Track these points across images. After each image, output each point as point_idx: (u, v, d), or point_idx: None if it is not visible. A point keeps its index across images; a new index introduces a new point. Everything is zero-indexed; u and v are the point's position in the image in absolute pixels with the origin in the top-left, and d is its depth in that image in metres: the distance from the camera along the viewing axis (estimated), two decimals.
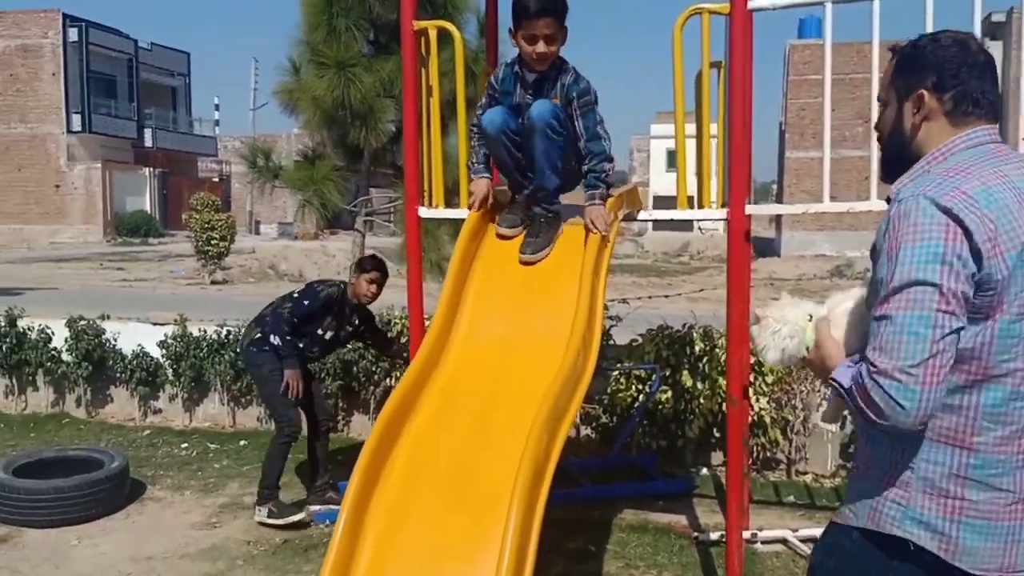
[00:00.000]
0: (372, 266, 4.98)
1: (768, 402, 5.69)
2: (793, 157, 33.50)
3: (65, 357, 7.01)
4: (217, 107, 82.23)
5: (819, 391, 5.80)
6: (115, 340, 7.03)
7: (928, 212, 1.56)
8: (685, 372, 5.76)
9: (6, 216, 32.98)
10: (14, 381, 7.26)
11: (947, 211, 1.55)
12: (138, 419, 7.01)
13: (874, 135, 1.98)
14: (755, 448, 5.80)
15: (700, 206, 3.87)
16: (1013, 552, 1.64)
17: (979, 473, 1.63)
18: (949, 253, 1.53)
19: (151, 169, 35.92)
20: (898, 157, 1.80)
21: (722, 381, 5.54)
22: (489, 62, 5.15)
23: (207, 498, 5.26)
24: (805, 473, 5.79)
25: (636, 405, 5.81)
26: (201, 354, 6.76)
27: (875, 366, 1.55)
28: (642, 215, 4.17)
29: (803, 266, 27.72)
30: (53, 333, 7.05)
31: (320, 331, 4.92)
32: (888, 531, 1.68)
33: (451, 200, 4.15)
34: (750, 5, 3.65)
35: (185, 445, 6.34)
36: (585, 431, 6.18)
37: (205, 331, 6.82)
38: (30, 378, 7.22)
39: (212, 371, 6.75)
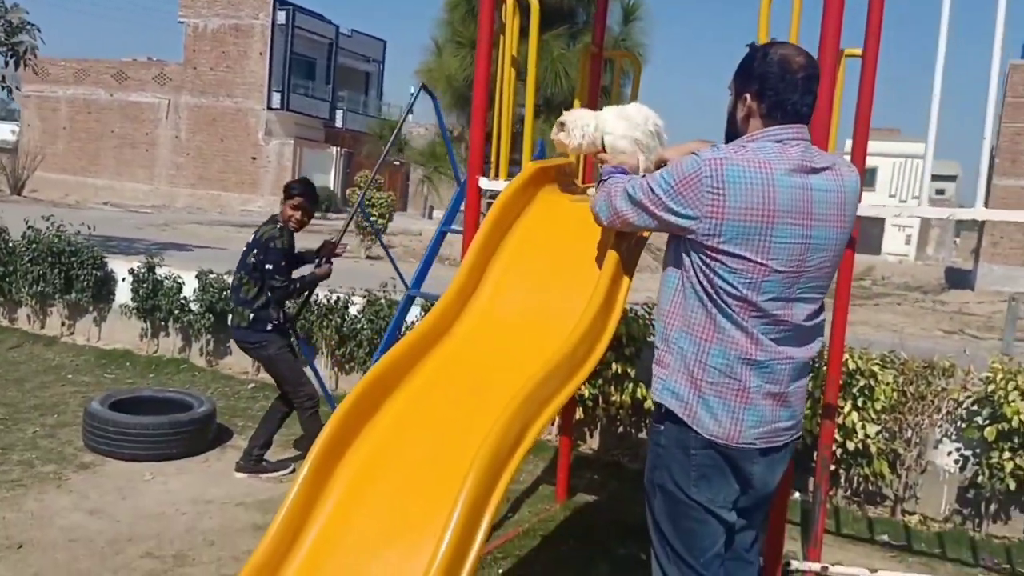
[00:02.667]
0: (298, 191, 4.88)
1: (878, 432, 5.11)
2: (1001, 185, 30.29)
3: (193, 307, 7.43)
4: (412, 94, 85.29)
5: (939, 426, 5.16)
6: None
7: (690, 163, 2.19)
8: None
9: (207, 182, 35.86)
10: (148, 324, 7.78)
11: (699, 168, 2.16)
12: (251, 373, 7.31)
13: None
14: (857, 479, 5.24)
15: None
16: (737, 427, 2.23)
17: (716, 362, 2.22)
18: (673, 189, 2.21)
19: (338, 148, 37.87)
20: (730, 133, 2.35)
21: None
22: (595, 42, 4.92)
23: (283, 453, 5.37)
24: (912, 513, 5.17)
25: None
26: (312, 318, 6.95)
27: (614, 187, 2.48)
28: None
29: (999, 303, 25.04)
30: (184, 283, 7.49)
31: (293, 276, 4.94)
32: (656, 399, 2.34)
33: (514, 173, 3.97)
34: None
35: None
36: None
37: (317, 295, 7.00)
38: (162, 323, 7.70)
39: (320, 335, 6.92)
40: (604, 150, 3.16)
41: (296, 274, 5.02)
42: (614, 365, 5.77)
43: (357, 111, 40.28)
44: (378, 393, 2.66)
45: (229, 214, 30.10)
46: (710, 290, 2.19)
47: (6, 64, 11.20)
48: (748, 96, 2.25)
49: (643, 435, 6.00)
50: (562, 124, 3.35)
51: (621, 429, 6.05)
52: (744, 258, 2.13)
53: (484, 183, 3.79)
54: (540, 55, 7.88)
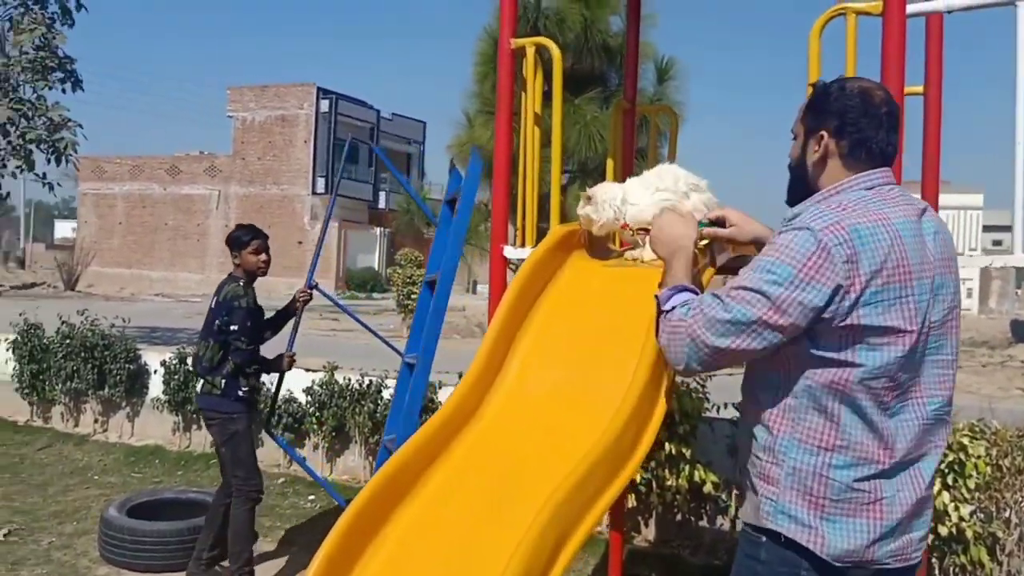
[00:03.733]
0: (250, 235, 4.59)
1: (972, 513, 4.51)
2: None
3: None
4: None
5: None
6: (270, 384, 7.05)
7: (803, 239, 1.76)
8: None
9: None
10: (180, 418, 7.49)
11: (819, 241, 1.74)
12: (283, 465, 6.94)
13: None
14: (952, 569, 4.61)
15: None
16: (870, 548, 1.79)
17: (842, 475, 1.79)
18: (799, 279, 1.74)
19: (381, 229, 38.22)
20: (799, 186, 2.00)
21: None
22: (626, 97, 4.59)
23: (306, 556, 4.93)
24: None
25: None
26: (344, 404, 6.60)
27: (693, 321, 1.85)
28: None
29: None
30: None
31: (259, 341, 4.55)
32: (765, 525, 1.85)
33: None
34: (911, 8, 2.86)
35: (312, 498, 6.12)
36: None
37: (350, 380, 6.66)
38: (193, 416, 7.40)
39: (352, 422, 6.55)
40: (627, 224, 2.95)
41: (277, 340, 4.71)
42: (667, 445, 5.27)
43: (399, 191, 40.73)
44: (391, 495, 2.26)
45: (276, 298, 30.15)
46: (838, 383, 1.78)
47: (48, 161, 11.34)
48: (825, 134, 1.92)
49: (704, 523, 5.44)
50: (589, 198, 3.06)
51: (679, 517, 5.50)
52: (889, 329, 1.76)
53: (509, 252, 3.42)
54: (572, 119, 7.54)
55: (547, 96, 3.60)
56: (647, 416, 2.28)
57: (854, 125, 1.89)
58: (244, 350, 4.36)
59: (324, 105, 36.97)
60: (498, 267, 3.43)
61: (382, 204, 38.96)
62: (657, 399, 2.32)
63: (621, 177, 4.37)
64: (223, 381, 4.40)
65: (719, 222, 2.26)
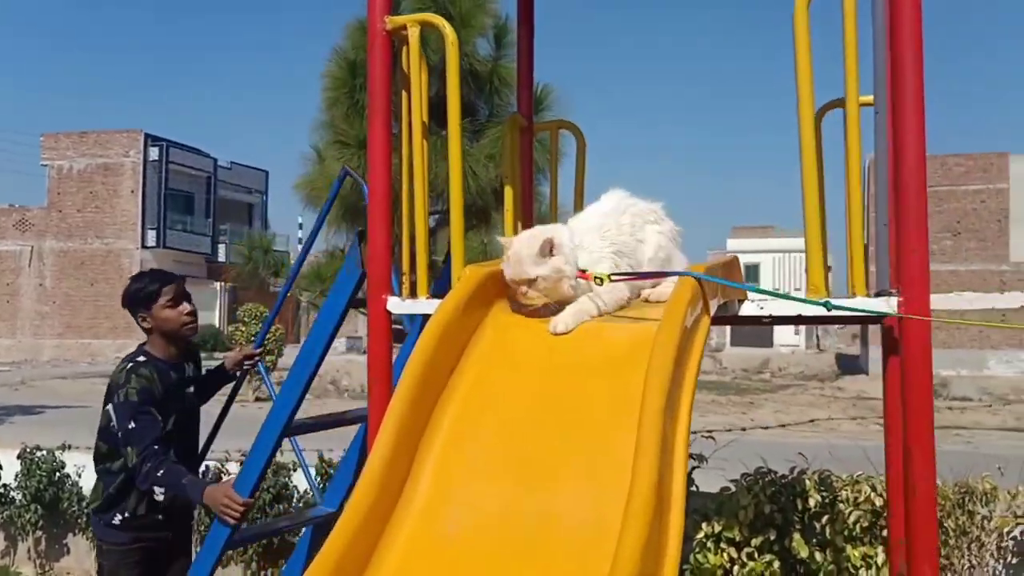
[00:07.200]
0: (158, 282, 3.15)
1: None
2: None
3: (16, 496, 5.73)
4: (300, 226, 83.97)
5: (986, 566, 4.10)
6: (78, 476, 5.74)
7: None
8: (797, 536, 4.06)
9: (75, 330, 33.11)
10: None
11: None
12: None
13: None
14: None
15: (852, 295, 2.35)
16: None
17: None
18: None
19: (222, 283, 35.92)
20: None
21: (851, 550, 3.94)
22: (522, 111, 3.81)
23: None
24: None
25: None
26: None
27: None
28: (746, 307, 2.55)
29: None
30: (1, 466, 5.79)
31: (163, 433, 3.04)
32: None
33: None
34: None
35: None
36: None
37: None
38: None
39: None
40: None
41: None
42: None
43: (239, 242, 38.64)
44: None
45: (101, 363, 27.53)
46: None
47: None
48: None
49: None
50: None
51: None
52: None
53: (395, 305, 2.50)
54: (440, 153, 6.65)
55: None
56: (657, 558, 1.41)
57: None
58: (134, 466, 2.91)
59: (153, 153, 34.60)
60: (380, 325, 2.49)
61: (222, 257, 36.70)
62: (667, 523, 1.46)
63: (523, 206, 3.57)
64: (106, 494, 3.09)
65: None
